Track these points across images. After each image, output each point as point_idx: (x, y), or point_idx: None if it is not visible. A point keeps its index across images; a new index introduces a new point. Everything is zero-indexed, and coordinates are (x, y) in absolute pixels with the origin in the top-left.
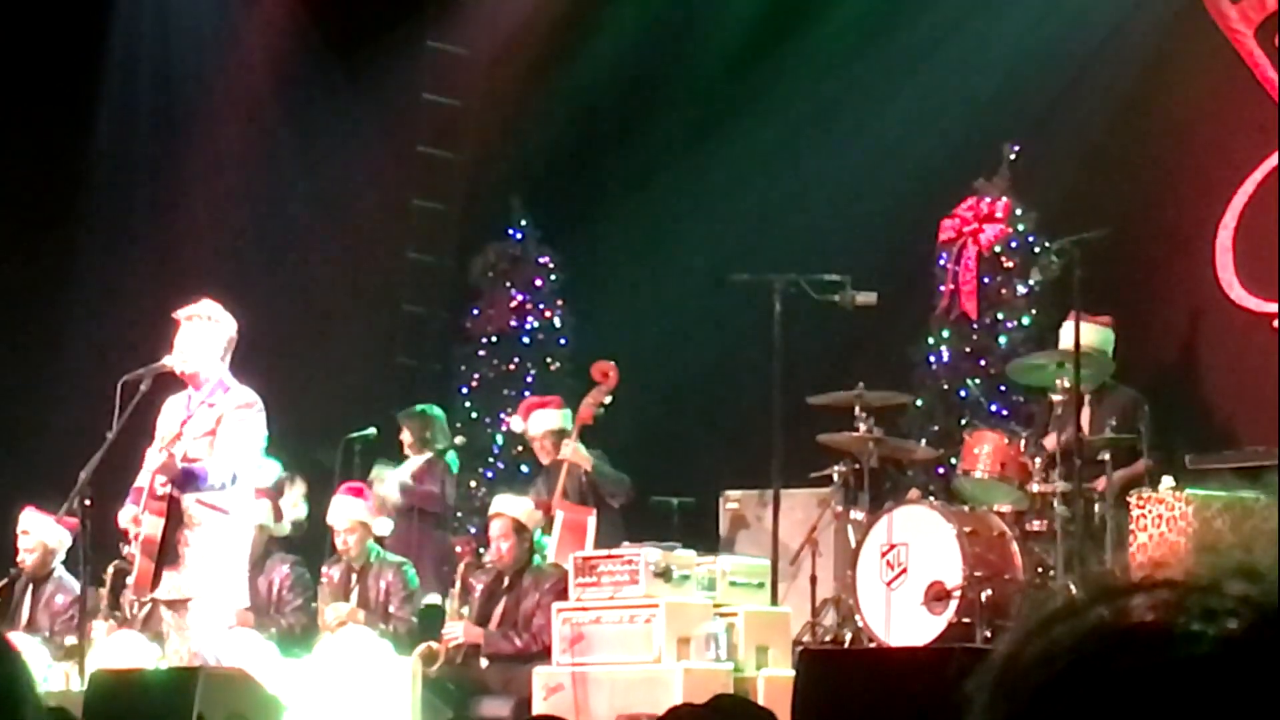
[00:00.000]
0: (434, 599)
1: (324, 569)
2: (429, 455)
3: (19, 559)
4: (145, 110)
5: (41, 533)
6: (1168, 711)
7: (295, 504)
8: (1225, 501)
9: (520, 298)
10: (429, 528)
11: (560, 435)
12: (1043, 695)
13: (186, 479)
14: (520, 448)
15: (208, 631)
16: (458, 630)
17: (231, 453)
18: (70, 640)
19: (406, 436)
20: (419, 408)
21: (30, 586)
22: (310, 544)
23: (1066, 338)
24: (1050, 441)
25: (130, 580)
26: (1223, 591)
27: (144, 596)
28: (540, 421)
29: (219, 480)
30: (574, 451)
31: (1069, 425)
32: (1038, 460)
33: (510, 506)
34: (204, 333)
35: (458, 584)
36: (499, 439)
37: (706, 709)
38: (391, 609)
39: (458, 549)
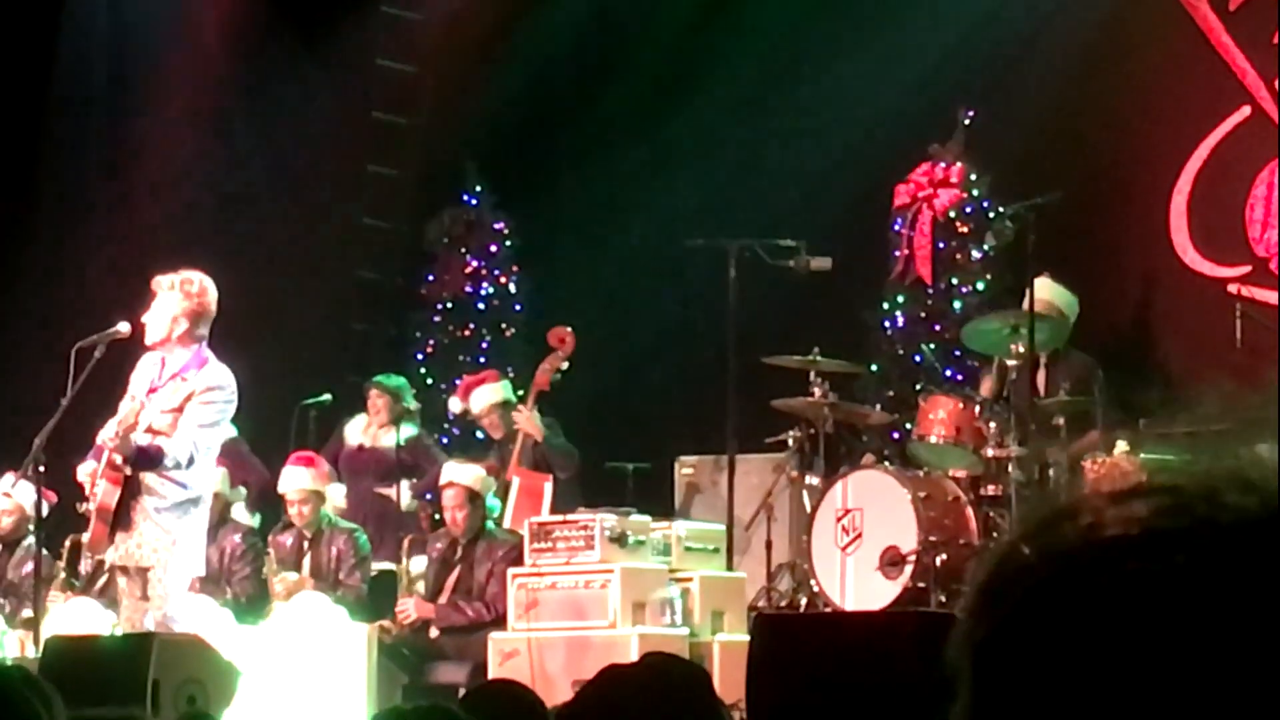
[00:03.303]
0: (388, 566)
1: (272, 537)
2: (418, 433)
3: None
4: (99, 78)
5: (21, 497)
6: (1167, 616)
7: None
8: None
9: (475, 263)
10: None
11: (504, 407)
12: (1039, 596)
13: (141, 458)
14: None
15: (168, 601)
16: (409, 607)
17: (192, 435)
18: (26, 612)
19: (378, 404)
20: (394, 379)
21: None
22: (266, 512)
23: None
24: (986, 387)
25: (85, 540)
26: (1221, 500)
27: (98, 555)
28: (481, 398)
29: (174, 460)
30: (527, 419)
31: (1022, 388)
32: (993, 425)
33: (462, 475)
34: (171, 302)
35: (404, 560)
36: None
37: (637, 667)
38: (341, 575)
39: (420, 514)
